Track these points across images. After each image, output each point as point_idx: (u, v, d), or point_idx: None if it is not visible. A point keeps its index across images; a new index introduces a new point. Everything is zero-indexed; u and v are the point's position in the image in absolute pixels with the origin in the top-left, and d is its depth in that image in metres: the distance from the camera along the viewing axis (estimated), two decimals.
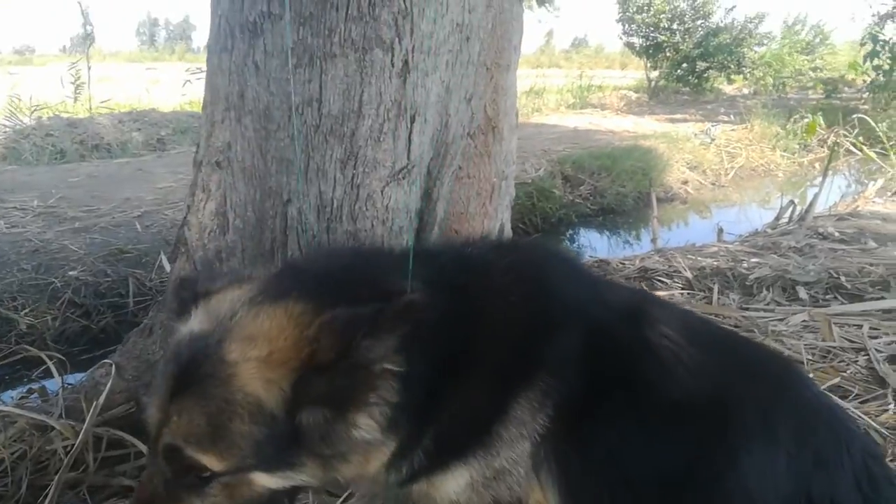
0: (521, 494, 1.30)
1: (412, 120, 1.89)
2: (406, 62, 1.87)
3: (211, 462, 1.05)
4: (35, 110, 9.20)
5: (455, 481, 1.29)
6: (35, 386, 2.71)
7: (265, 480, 1.10)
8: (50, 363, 2.43)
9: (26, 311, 3.71)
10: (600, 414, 1.30)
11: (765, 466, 1.31)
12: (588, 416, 1.29)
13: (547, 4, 15.21)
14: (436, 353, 1.21)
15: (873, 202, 6.68)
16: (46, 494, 1.88)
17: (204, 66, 2.17)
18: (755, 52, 22.02)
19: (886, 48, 14.54)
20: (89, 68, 10.44)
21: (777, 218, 5.91)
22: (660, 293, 3.78)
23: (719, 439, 1.31)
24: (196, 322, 1.17)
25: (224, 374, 1.06)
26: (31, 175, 6.84)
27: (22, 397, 2.62)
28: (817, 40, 23.33)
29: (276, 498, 1.16)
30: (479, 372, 1.26)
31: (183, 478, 1.09)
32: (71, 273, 4.11)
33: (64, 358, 2.58)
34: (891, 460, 2.13)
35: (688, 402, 1.32)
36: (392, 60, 1.86)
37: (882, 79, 15.18)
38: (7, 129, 8.88)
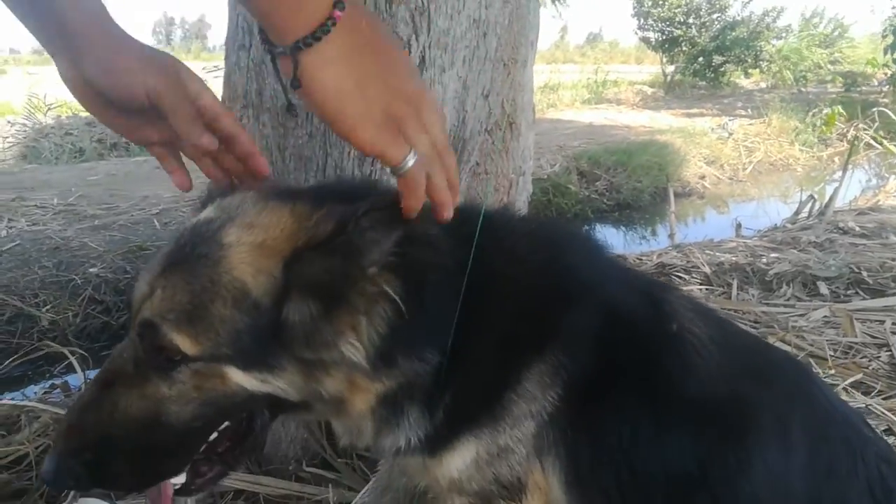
0: (521, 474, 1.26)
1: None
2: (423, 58, 1.86)
3: (184, 343, 1.00)
4: (50, 109, 9.30)
5: (461, 458, 1.24)
6: (58, 381, 2.75)
7: (240, 378, 1.03)
8: (72, 358, 2.46)
9: (48, 307, 3.77)
10: (614, 402, 1.25)
11: (777, 473, 1.28)
12: (600, 402, 1.25)
13: (558, 1, 15.10)
14: (444, 304, 1.14)
15: (894, 196, 6.58)
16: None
17: (221, 65, 2.18)
18: (773, 45, 21.76)
19: None
20: None
21: (796, 213, 5.85)
22: None
23: (734, 442, 1.28)
24: (205, 212, 1.14)
25: (215, 256, 1.03)
26: (51, 173, 6.94)
27: (45, 392, 2.66)
28: (836, 33, 22.99)
29: (253, 406, 1.10)
30: (492, 337, 1.21)
31: (154, 358, 1.03)
32: (91, 270, 4.16)
33: (86, 354, 2.62)
34: None
35: (705, 401, 1.29)
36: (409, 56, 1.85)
37: None
38: (27, 129, 9.00)
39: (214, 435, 1.12)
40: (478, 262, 1.17)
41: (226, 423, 1.12)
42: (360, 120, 0.89)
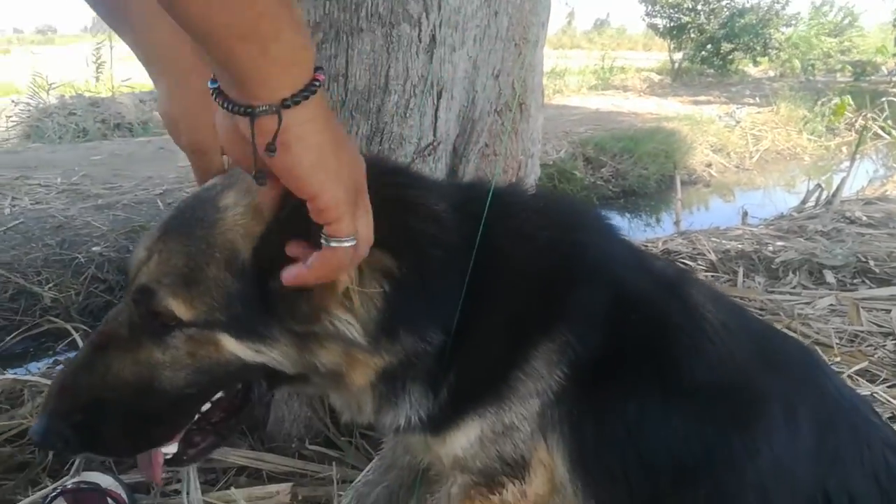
0: (525, 452, 1.25)
1: (439, 96, 1.87)
2: (433, 37, 1.84)
3: (179, 308, 0.99)
4: (52, 88, 9.26)
5: (465, 437, 1.23)
6: (61, 357, 2.75)
7: (233, 346, 1.02)
8: (76, 334, 2.46)
9: (51, 285, 3.76)
10: (621, 383, 1.24)
11: (784, 460, 1.28)
12: (607, 383, 1.23)
13: None
14: (448, 281, 1.13)
15: None
16: (73, 462, 1.91)
17: None
18: (782, 33, 21.55)
19: None
20: (111, 48, 10.47)
21: (803, 202, 5.82)
22: None
23: (741, 428, 1.27)
24: (211, 181, 1.14)
25: (212, 218, 1.02)
26: (55, 153, 6.92)
27: (48, 368, 2.66)
28: (846, 22, 22.74)
29: (249, 377, 1.09)
30: (499, 314, 1.19)
31: (149, 323, 1.03)
32: (94, 249, 4.16)
33: (89, 330, 2.62)
34: None
35: (714, 386, 1.27)
36: (419, 35, 1.83)
37: None
38: (31, 108, 8.97)
39: (208, 405, 1.11)
40: (485, 238, 1.15)
41: (220, 394, 1.11)
42: (333, 180, 0.86)
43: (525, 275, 1.21)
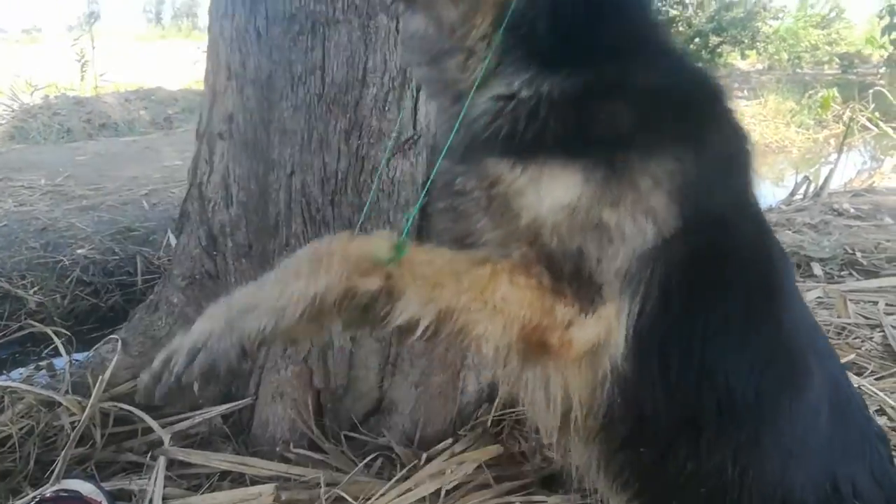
0: (603, 278, 1.10)
1: (418, 89, 1.84)
2: None
3: None
4: (35, 90, 9.17)
5: (564, 187, 1.07)
6: (43, 363, 2.70)
7: None
8: (57, 340, 2.41)
9: (35, 289, 3.70)
10: (718, 286, 1.17)
11: (808, 440, 1.27)
12: (706, 276, 1.15)
13: None
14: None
15: (889, 178, 6.56)
16: (53, 470, 1.87)
17: None
18: (769, 26, 21.58)
19: None
20: (93, 47, 10.35)
21: (791, 194, 5.83)
22: None
23: (793, 395, 1.25)
24: None
25: None
26: (39, 154, 6.84)
27: (29, 374, 2.62)
28: (833, 14, 22.81)
29: None
30: (629, 89, 1.11)
31: None
32: (79, 251, 4.10)
33: (71, 335, 2.57)
34: None
35: (786, 343, 1.25)
36: (397, 26, 1.80)
37: None
38: (10, 109, 8.86)
39: None
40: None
41: None
42: None
43: (662, 87, 1.15)
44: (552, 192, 1.07)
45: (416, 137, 1.87)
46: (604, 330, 1.13)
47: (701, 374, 1.18)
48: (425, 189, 1.71)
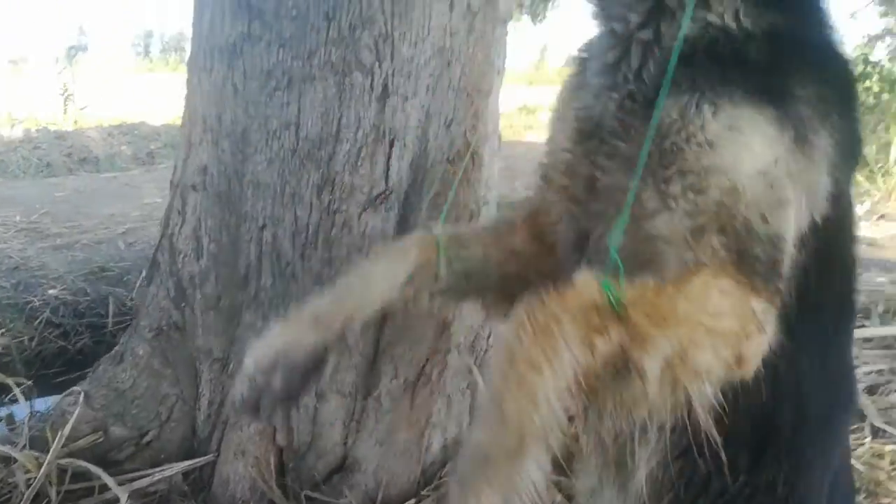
0: (785, 258, 0.95)
1: (391, 145, 1.85)
2: (386, 86, 1.83)
3: None
4: (16, 124, 9.14)
5: (763, 140, 0.91)
6: (2, 413, 2.62)
7: None
8: (17, 390, 2.35)
9: (2, 331, 3.62)
10: (828, 270, 1.07)
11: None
12: (824, 250, 1.03)
13: (537, 19, 15.25)
14: None
15: (859, 226, 6.68)
16: None
17: None
18: None
19: (876, 70, 14.66)
20: (74, 81, 10.36)
21: None
22: None
23: (846, 412, 1.26)
24: None
25: None
26: (16, 189, 6.76)
27: None
28: None
29: None
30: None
31: None
32: (50, 291, 4.02)
33: (33, 384, 2.50)
34: (865, 497, 2.10)
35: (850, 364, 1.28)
36: (372, 84, 1.82)
37: (872, 101, 15.28)
38: None
39: None
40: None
41: None
42: None
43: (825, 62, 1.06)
44: (752, 149, 0.92)
45: (388, 192, 1.87)
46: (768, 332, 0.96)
47: (791, 383, 1.07)
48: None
